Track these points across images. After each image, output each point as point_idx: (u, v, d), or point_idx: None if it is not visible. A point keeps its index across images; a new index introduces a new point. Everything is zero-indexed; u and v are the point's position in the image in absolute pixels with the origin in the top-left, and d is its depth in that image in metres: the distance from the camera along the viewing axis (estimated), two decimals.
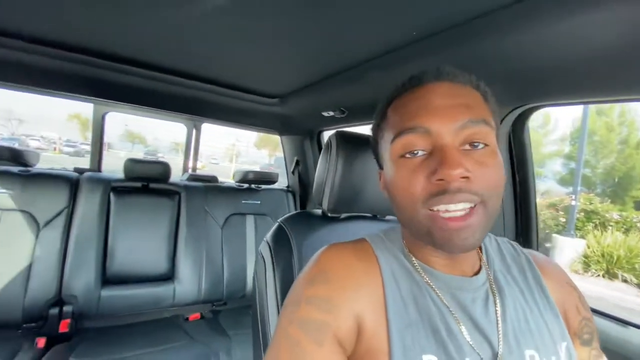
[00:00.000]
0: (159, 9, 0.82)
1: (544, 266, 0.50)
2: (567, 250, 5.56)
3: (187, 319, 1.59)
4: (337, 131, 0.80)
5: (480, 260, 0.48)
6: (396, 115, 0.44)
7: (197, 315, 1.63)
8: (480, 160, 0.39)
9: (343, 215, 0.88)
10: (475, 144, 0.39)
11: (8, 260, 1.29)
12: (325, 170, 0.82)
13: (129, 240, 1.56)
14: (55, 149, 17.67)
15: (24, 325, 1.29)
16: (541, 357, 0.40)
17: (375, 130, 0.50)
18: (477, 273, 0.46)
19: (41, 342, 1.21)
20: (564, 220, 6.26)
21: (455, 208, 0.37)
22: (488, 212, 0.39)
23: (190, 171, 2.08)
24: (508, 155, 0.93)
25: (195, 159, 2.11)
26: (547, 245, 5.84)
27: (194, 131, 2.04)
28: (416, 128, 0.40)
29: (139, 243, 1.58)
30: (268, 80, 1.39)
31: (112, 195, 1.57)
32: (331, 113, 1.46)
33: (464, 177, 0.37)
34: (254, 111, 1.73)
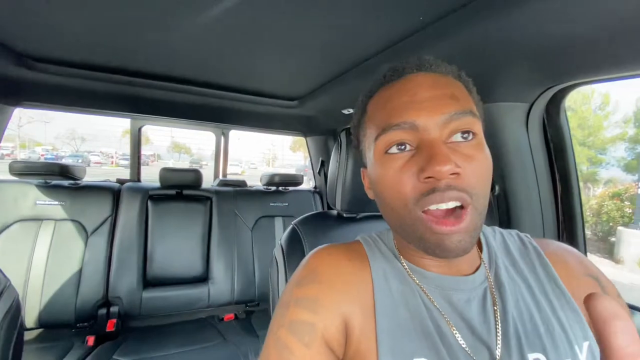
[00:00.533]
0: (181, 27, 0.87)
1: (558, 257, 0.44)
2: (634, 243, 4.93)
3: (221, 319, 1.64)
4: (345, 129, 0.78)
5: (480, 255, 0.44)
6: (378, 111, 0.41)
7: (232, 315, 1.68)
8: (469, 154, 0.36)
9: (359, 215, 0.85)
10: (465, 135, 0.37)
11: (62, 265, 1.43)
12: (337, 169, 0.80)
13: (166, 245, 1.65)
14: (112, 162, 19.54)
15: (77, 325, 1.42)
16: None
17: (356, 127, 0.47)
18: (476, 270, 0.42)
19: (91, 340, 1.32)
20: (629, 211, 5.56)
21: (447, 207, 0.36)
22: (478, 211, 0.37)
23: (220, 176, 2.16)
24: (543, 142, 0.83)
25: (225, 164, 2.19)
26: (612, 239, 5.22)
27: (222, 138, 2.12)
28: (402, 124, 0.37)
29: (175, 247, 1.67)
30: (287, 84, 1.40)
31: (149, 203, 1.68)
32: (350, 110, 1.43)
33: (453, 174, 0.35)
34: (277, 115, 1.76)
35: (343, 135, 0.79)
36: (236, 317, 1.68)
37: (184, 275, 1.66)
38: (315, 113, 1.71)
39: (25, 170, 1.42)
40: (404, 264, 0.43)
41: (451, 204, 0.35)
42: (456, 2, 0.63)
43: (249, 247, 1.80)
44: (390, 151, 0.38)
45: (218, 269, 1.71)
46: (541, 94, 0.76)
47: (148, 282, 1.59)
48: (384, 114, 0.40)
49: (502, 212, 0.87)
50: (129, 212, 1.61)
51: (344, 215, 0.84)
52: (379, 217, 0.87)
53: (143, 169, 1.94)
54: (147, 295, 1.55)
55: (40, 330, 1.38)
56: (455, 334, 0.37)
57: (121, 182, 1.79)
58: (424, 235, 0.37)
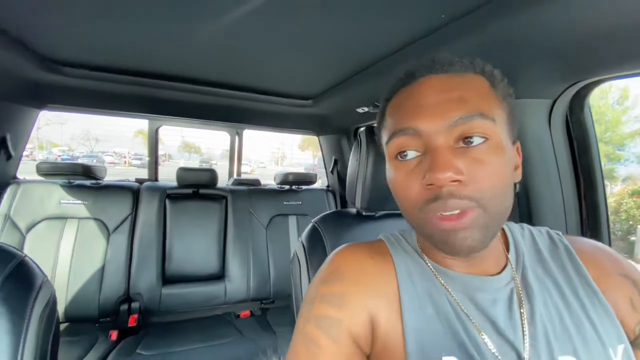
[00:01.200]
0: (198, 30, 0.89)
1: (590, 256, 0.43)
2: None
3: (238, 316, 1.67)
4: (366, 126, 0.78)
5: (507, 255, 0.44)
6: (391, 115, 0.43)
7: (247, 312, 1.71)
8: (478, 157, 0.35)
9: (378, 213, 0.85)
10: (470, 139, 0.36)
11: (86, 262, 1.48)
12: (357, 168, 0.80)
13: (184, 242, 1.69)
14: (125, 162, 19.94)
15: (101, 320, 1.47)
16: None
17: (378, 129, 0.48)
18: (502, 271, 0.42)
19: (114, 334, 1.36)
20: None
21: (450, 214, 0.36)
22: (489, 213, 0.36)
23: (235, 176, 2.19)
24: (566, 138, 0.82)
25: (239, 164, 2.21)
26: (632, 238, 5.07)
27: (237, 138, 2.15)
28: (406, 129, 0.38)
29: (192, 244, 1.70)
30: (300, 83, 1.41)
31: (167, 202, 1.72)
32: (365, 109, 1.43)
33: (455, 181, 0.34)
34: (290, 114, 1.77)
35: (363, 134, 0.80)
36: (252, 314, 1.71)
37: (201, 273, 1.70)
38: (330, 112, 1.71)
39: (51, 171, 1.47)
40: (428, 262, 0.43)
41: (455, 212, 0.35)
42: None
43: (264, 245, 1.83)
44: (400, 157, 0.39)
45: (234, 267, 1.73)
46: (564, 90, 0.75)
47: (167, 279, 1.63)
48: (394, 119, 0.41)
49: (523, 209, 0.86)
50: (148, 211, 1.65)
51: (363, 213, 0.85)
52: (398, 216, 0.87)
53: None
54: (166, 291, 1.59)
55: (66, 324, 1.43)
56: (482, 335, 0.37)
57: (140, 181, 1.83)
58: (431, 233, 0.38)
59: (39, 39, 1.02)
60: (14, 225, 1.40)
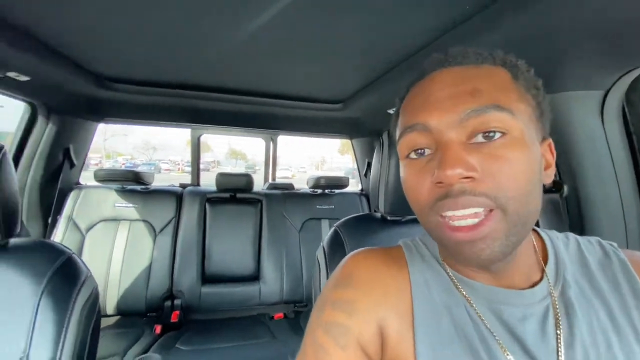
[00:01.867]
0: (227, 42, 0.94)
1: None
2: None
3: (272, 317, 1.70)
4: (389, 129, 0.76)
5: (543, 268, 0.38)
6: (402, 114, 0.40)
7: (281, 314, 1.73)
8: (495, 153, 0.32)
9: (405, 218, 0.81)
10: (490, 133, 0.32)
11: (135, 261, 1.62)
12: (379, 171, 0.78)
13: (222, 244, 1.77)
14: (179, 169, 21.65)
15: (147, 314, 1.59)
16: None
17: (393, 129, 0.46)
18: (536, 285, 0.37)
19: (158, 328, 1.47)
20: None
21: (463, 213, 0.32)
22: (509, 217, 0.32)
23: (270, 180, 2.26)
24: (624, 134, 0.71)
25: (274, 168, 2.28)
26: None
27: (271, 144, 2.21)
28: (414, 125, 0.36)
29: (230, 246, 1.78)
30: (330, 87, 1.42)
31: (207, 205, 1.82)
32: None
33: (466, 178, 0.31)
34: (322, 118, 1.78)
35: (385, 136, 0.77)
36: (285, 317, 1.73)
37: (238, 274, 1.76)
38: (361, 114, 1.69)
39: (107, 177, 1.65)
40: (449, 271, 0.40)
41: (468, 211, 0.32)
42: None
43: (297, 249, 1.85)
44: (410, 155, 0.37)
45: (268, 269, 1.78)
46: (618, 79, 0.65)
47: (206, 278, 1.72)
48: (404, 116, 0.39)
49: (573, 215, 0.76)
50: (190, 214, 1.77)
51: (388, 218, 0.81)
52: None
53: (206, 174, 2.11)
54: (205, 290, 1.68)
55: (117, 317, 1.57)
56: (507, 355, 0.33)
57: (183, 186, 1.97)
58: (443, 242, 0.35)
59: (96, 61, 1.15)
60: (76, 226, 1.58)
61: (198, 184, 2.08)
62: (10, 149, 1.35)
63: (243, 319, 1.68)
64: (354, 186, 2.34)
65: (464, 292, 0.38)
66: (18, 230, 0.65)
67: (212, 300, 1.68)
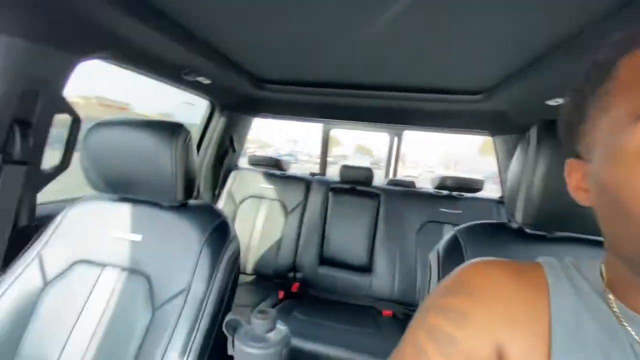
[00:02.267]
0: (360, 36, 0.97)
1: None
2: None
3: (380, 313, 1.70)
4: (541, 120, 0.62)
5: None
6: (628, 91, 0.27)
7: (390, 312, 1.70)
8: None
9: (553, 235, 0.66)
10: None
11: (271, 233, 1.92)
12: (521, 171, 0.65)
13: (340, 231, 1.89)
14: (314, 162, 24.07)
15: (275, 280, 1.87)
16: None
17: (580, 98, 0.33)
18: None
19: (281, 294, 1.70)
20: None
21: None
22: None
23: (390, 176, 2.22)
24: None
25: (396, 165, 2.23)
26: None
27: (396, 139, 2.17)
28: None
29: (346, 234, 1.87)
30: (469, 75, 1.26)
31: (330, 194, 1.96)
32: (559, 101, 1.12)
33: None
34: (457, 112, 1.62)
35: (534, 131, 0.63)
36: (394, 316, 1.69)
37: (351, 262, 1.84)
38: (506, 107, 1.44)
39: (256, 162, 2.03)
40: (614, 304, 0.31)
41: None
42: None
43: (412, 250, 1.76)
44: None
45: (380, 264, 1.78)
46: None
47: (324, 260, 1.87)
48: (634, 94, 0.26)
49: None
50: (315, 199, 1.95)
51: (528, 231, 0.67)
52: (585, 242, 0.64)
53: (334, 167, 2.29)
54: (321, 271, 1.83)
55: (254, 277, 1.92)
56: None
57: (313, 174, 2.18)
58: None
59: (255, 66, 1.41)
60: (232, 199, 1.99)
61: (324, 174, 2.26)
62: (195, 137, 1.82)
63: (353, 306, 1.74)
64: (494, 193, 2.02)
65: (633, 333, 0.29)
66: (194, 195, 0.88)
67: (327, 281, 1.82)
